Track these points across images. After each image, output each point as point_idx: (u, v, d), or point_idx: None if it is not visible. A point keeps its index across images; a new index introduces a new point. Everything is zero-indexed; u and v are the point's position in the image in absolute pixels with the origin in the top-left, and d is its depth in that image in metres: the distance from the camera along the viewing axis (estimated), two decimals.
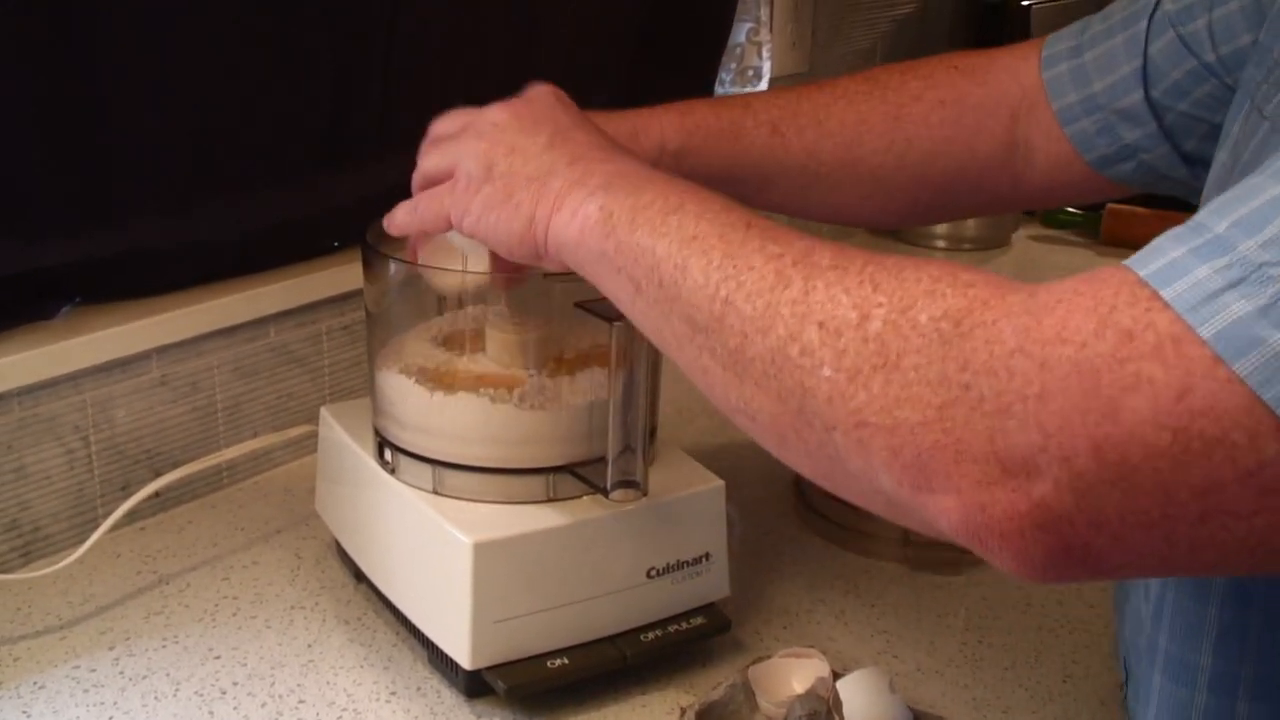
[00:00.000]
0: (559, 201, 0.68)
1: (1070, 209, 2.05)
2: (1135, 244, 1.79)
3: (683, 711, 0.81)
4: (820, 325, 0.52)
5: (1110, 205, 1.98)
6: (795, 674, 0.83)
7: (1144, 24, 0.81)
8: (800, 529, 1.10)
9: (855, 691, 0.80)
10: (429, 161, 0.80)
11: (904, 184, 0.90)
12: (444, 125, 0.82)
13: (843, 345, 0.51)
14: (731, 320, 0.57)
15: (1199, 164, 0.80)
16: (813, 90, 0.92)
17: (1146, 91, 0.81)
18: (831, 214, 0.94)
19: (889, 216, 0.95)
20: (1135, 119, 0.82)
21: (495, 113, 0.77)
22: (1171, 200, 2.09)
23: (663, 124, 0.90)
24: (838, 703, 0.79)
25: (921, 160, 0.89)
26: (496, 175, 0.72)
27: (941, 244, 1.95)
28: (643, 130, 0.89)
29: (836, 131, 0.90)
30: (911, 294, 0.51)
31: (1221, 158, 0.71)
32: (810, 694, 0.79)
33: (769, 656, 0.85)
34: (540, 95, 0.78)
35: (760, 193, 0.91)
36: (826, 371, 0.52)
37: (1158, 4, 0.81)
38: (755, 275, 0.56)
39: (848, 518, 1.07)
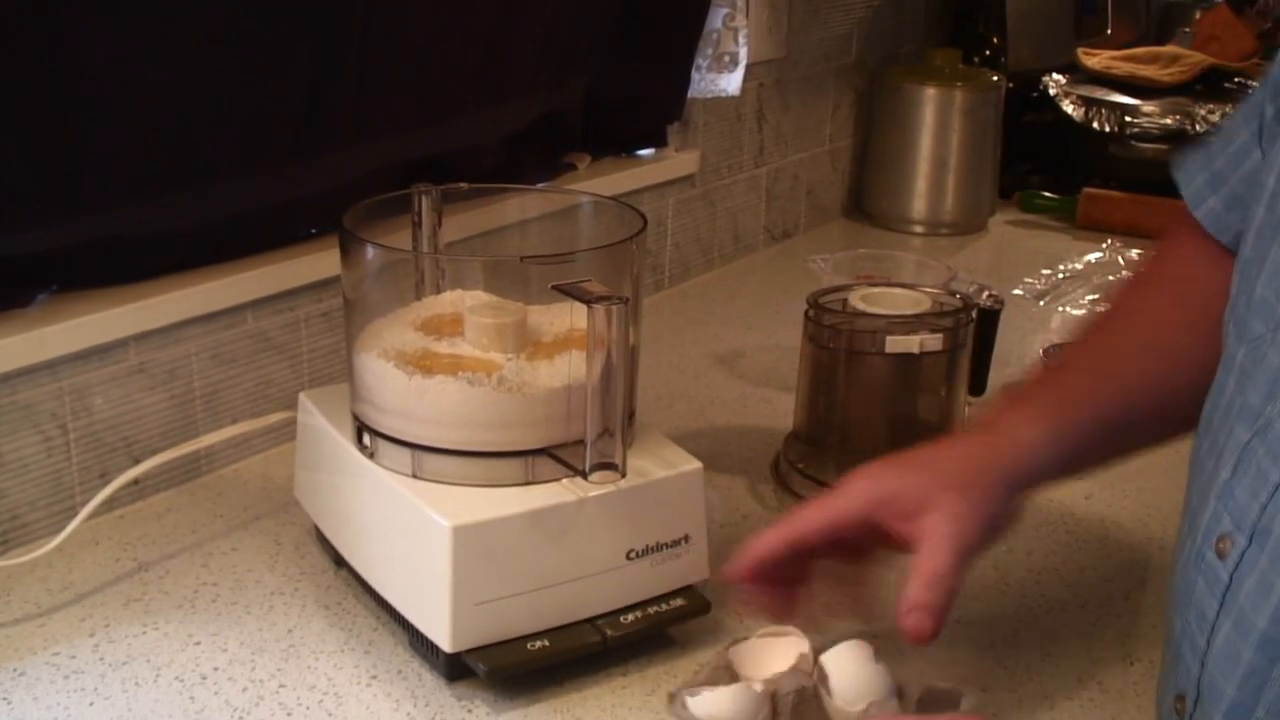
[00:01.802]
0: None
1: (1045, 193, 2.06)
2: (1111, 228, 1.83)
3: (671, 697, 0.81)
4: None
5: (1086, 190, 1.99)
6: (776, 652, 0.83)
7: (1261, 95, 0.78)
8: (778, 512, 1.10)
9: (840, 664, 0.80)
10: None
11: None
12: None
13: None
14: None
15: None
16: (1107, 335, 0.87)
17: (1262, 149, 0.76)
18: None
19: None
20: (1257, 182, 0.75)
21: None
22: (1148, 185, 2.11)
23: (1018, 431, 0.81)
24: (823, 676, 0.79)
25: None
26: None
27: (919, 229, 1.96)
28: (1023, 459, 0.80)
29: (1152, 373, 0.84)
30: None
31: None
32: (795, 671, 0.80)
33: (748, 637, 0.85)
34: None
35: (1113, 450, 0.85)
36: None
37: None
38: None
39: None
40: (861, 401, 1.15)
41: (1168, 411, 0.83)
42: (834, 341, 1.12)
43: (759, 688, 0.78)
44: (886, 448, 1.16)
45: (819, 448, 1.15)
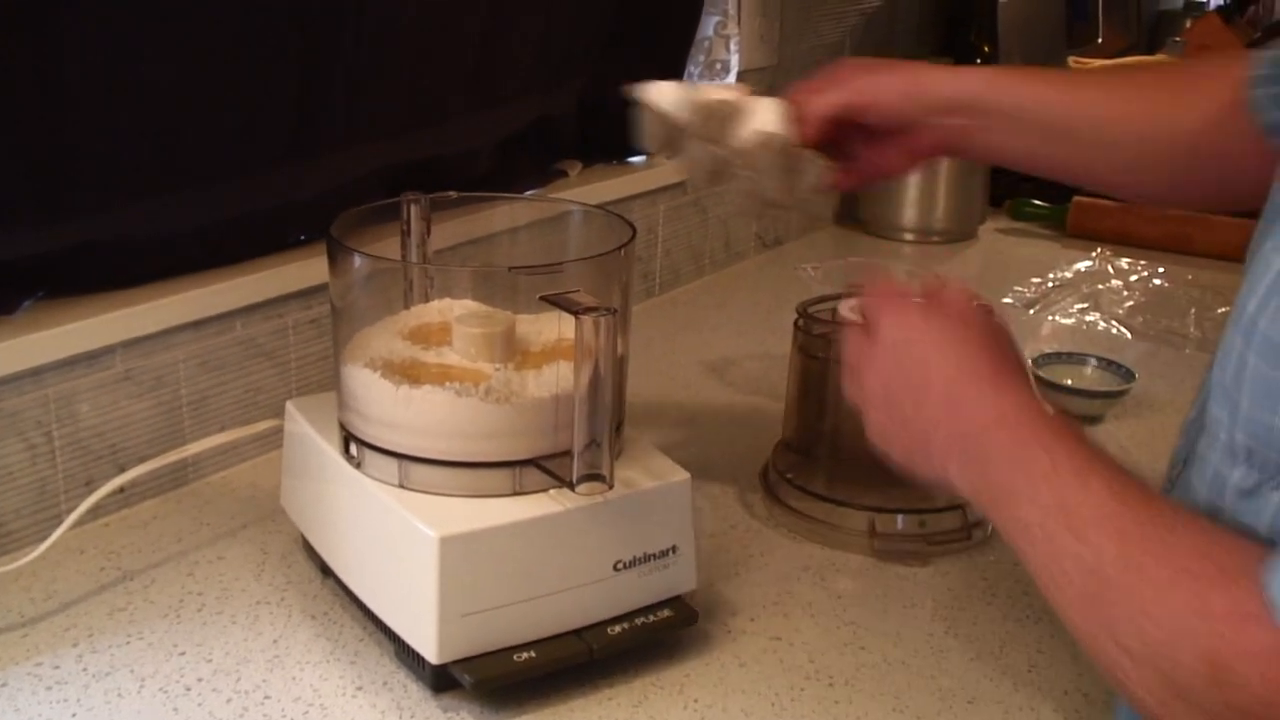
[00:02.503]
0: (944, 465, 0.74)
1: (1036, 201, 2.06)
2: (1100, 237, 1.84)
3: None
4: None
5: (1076, 198, 1.99)
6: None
7: None
8: (767, 522, 1.10)
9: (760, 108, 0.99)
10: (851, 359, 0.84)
11: (1172, 154, 0.93)
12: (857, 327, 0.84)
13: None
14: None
15: None
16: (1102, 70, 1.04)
17: None
18: (1095, 180, 1.02)
19: (1146, 189, 1.00)
20: None
21: (881, 352, 0.80)
22: None
23: (959, 74, 1.00)
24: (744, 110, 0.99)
25: (1193, 129, 0.91)
26: (890, 437, 0.80)
27: (910, 237, 1.96)
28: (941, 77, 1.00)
29: (1123, 96, 0.95)
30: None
31: None
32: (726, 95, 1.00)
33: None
34: (922, 329, 0.80)
35: (1045, 145, 0.98)
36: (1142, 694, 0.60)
37: None
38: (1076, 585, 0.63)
39: (814, 510, 1.08)
40: (851, 411, 1.15)
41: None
42: (823, 351, 1.12)
43: (699, 98, 0.98)
44: (875, 457, 1.16)
45: (808, 457, 1.14)
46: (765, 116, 0.98)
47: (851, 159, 1.02)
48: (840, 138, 1.00)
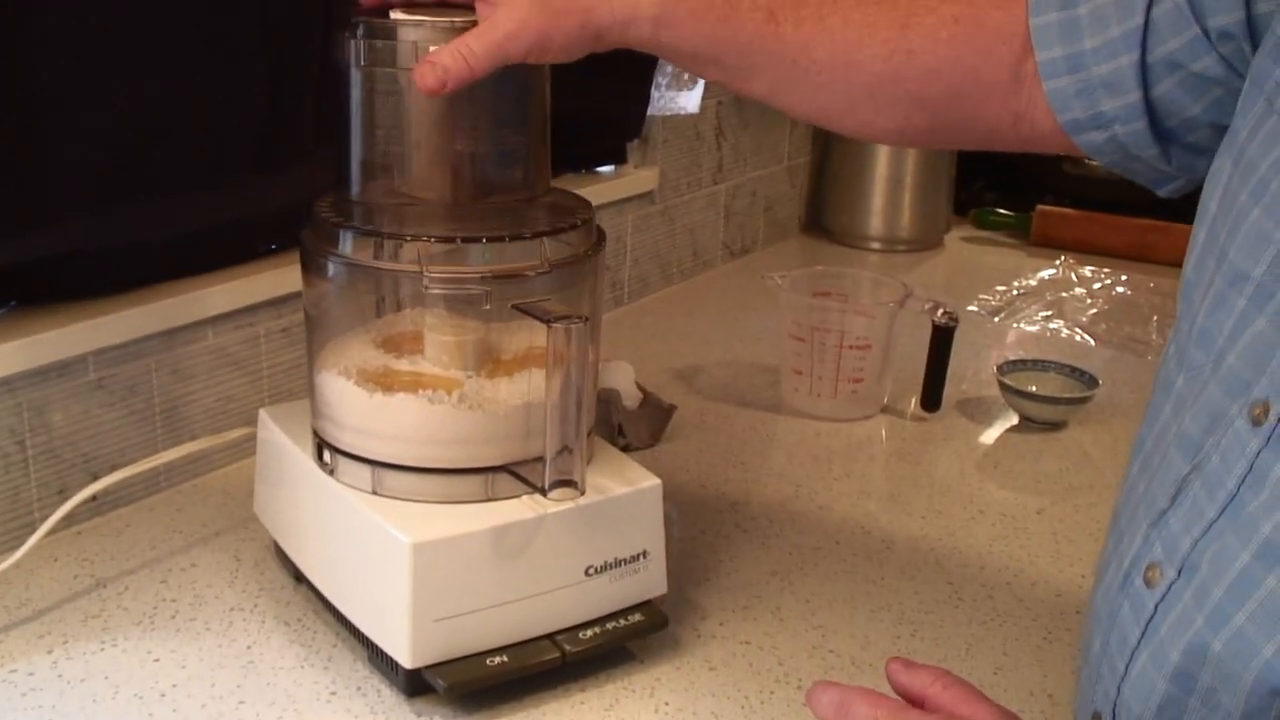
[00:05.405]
0: None
1: (1000, 210, 2.09)
2: (1064, 245, 1.85)
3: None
4: None
5: (1040, 207, 2.02)
6: None
7: None
8: (735, 528, 1.11)
9: None
10: None
11: (898, 99, 0.83)
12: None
13: None
14: None
15: (1173, 144, 0.77)
16: None
17: (1143, 55, 0.73)
18: (816, 115, 0.88)
19: (877, 132, 0.87)
20: (1119, 86, 0.75)
21: None
22: (1100, 202, 2.13)
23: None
24: None
25: (920, 77, 0.82)
26: None
27: (876, 246, 1.98)
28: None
29: (837, 29, 0.83)
30: None
31: (1225, 165, 0.67)
32: None
33: None
34: None
35: (742, 79, 0.86)
36: None
37: None
38: None
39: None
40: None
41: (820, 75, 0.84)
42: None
43: None
44: None
45: None
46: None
47: None
48: None
